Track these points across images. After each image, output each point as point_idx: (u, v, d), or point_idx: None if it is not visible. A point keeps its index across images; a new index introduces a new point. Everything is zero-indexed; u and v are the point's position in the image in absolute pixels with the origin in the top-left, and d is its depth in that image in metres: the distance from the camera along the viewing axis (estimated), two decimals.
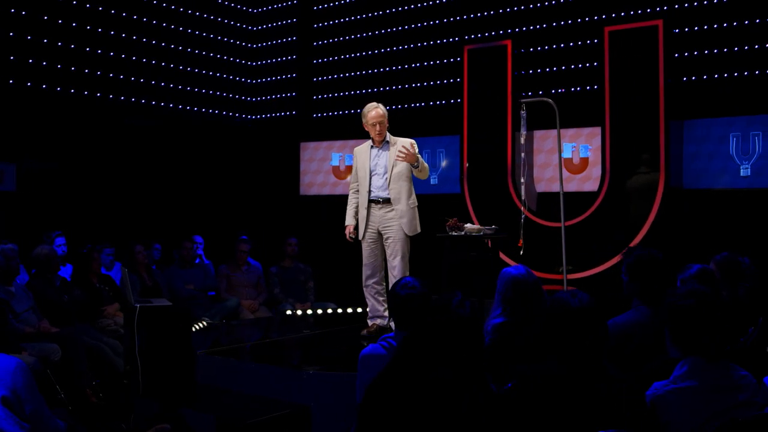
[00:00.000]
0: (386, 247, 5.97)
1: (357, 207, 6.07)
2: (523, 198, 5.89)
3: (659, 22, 7.73)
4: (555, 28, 8.71)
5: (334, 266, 9.38)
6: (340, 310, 7.77)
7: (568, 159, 8.76)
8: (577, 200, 8.18)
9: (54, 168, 8.68)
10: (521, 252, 5.84)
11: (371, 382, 2.71)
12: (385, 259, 6.06)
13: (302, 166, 10.56)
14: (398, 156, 5.78)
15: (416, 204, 5.99)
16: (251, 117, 11.08)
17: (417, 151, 5.99)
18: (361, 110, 6.11)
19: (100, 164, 8.99)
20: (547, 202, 8.52)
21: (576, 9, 8.57)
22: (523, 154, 6.27)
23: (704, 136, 7.92)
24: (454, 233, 5.95)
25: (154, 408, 4.92)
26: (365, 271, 6.07)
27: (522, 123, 5.95)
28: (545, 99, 6.19)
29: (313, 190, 10.47)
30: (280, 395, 4.91)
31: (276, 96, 10.94)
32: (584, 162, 8.72)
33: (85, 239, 7.99)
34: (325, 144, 10.39)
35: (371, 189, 5.97)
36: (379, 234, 5.99)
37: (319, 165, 10.46)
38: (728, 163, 7.78)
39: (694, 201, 7.88)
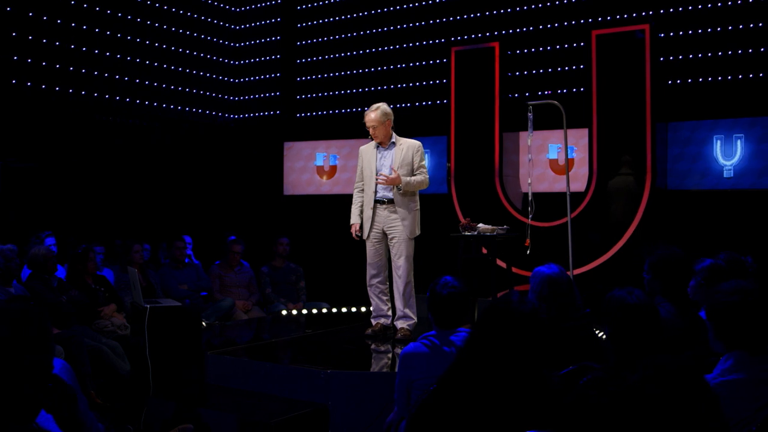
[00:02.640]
0: (391, 247, 6.01)
1: (362, 206, 6.09)
2: (530, 198, 5.98)
3: (646, 27, 7.91)
4: (543, 31, 8.86)
5: (321, 266, 9.40)
6: (334, 310, 7.78)
7: (553, 160, 8.93)
8: (565, 200, 8.32)
9: (35, 167, 8.53)
10: (528, 251, 5.94)
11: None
12: (389, 259, 6.09)
13: (286, 166, 10.54)
14: (378, 181, 5.85)
15: (418, 207, 6.05)
16: (234, 116, 11.02)
17: (422, 153, 6.04)
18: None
19: (83, 163, 8.87)
20: (537, 202, 8.67)
21: (564, 12, 8.74)
22: (530, 155, 6.37)
23: (688, 138, 8.14)
24: (467, 233, 6.01)
25: (168, 408, 4.89)
26: (370, 271, 6.10)
27: (529, 125, 6.04)
28: (552, 101, 6.29)
29: (298, 190, 10.46)
30: (296, 394, 4.92)
31: (260, 95, 10.90)
32: (570, 163, 8.87)
33: (68, 239, 7.89)
34: (309, 144, 10.39)
35: (377, 189, 5.99)
36: (384, 234, 6.02)
37: (304, 165, 10.45)
38: (712, 164, 8.01)
39: (679, 202, 8.09)
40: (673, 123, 8.17)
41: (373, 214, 5.97)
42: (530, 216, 6.01)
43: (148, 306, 5.27)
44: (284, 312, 7.67)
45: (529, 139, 6.12)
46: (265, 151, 10.58)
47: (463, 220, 6.13)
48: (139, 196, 9.34)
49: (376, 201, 5.97)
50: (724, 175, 7.97)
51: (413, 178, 5.92)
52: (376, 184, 5.96)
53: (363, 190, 6.10)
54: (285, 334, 6.63)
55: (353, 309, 7.67)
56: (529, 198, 6.00)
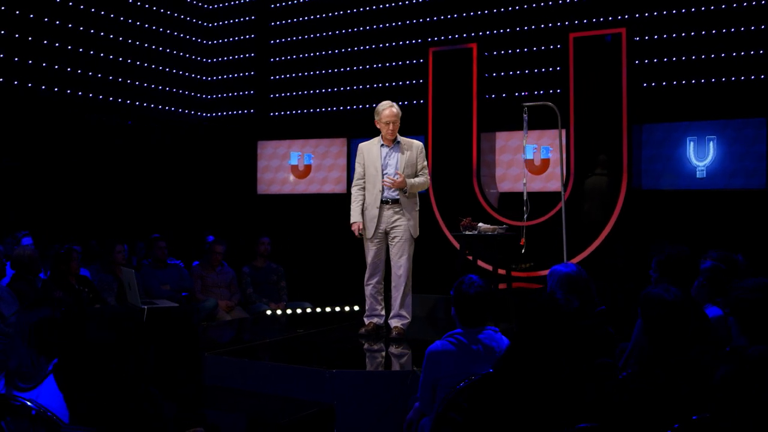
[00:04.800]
0: (392, 246, 5.97)
1: (363, 204, 6.02)
2: (525, 198, 6.06)
3: (622, 30, 8.08)
4: (520, 33, 8.98)
5: (297, 265, 9.36)
6: (318, 309, 7.75)
7: (529, 160, 9.06)
8: (541, 200, 8.46)
9: (2, 166, 8.33)
10: (523, 250, 6.02)
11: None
12: (385, 260, 6.08)
13: (260, 165, 10.48)
14: (385, 183, 5.86)
15: (419, 207, 6.07)
16: (207, 115, 10.90)
17: (424, 155, 6.07)
18: (374, 107, 6.08)
19: (54, 162, 8.68)
20: (512, 201, 8.81)
21: (541, 15, 8.87)
22: (524, 155, 6.45)
23: (662, 139, 8.36)
24: (467, 233, 6.07)
25: (169, 410, 4.81)
26: (369, 270, 6.06)
27: (524, 125, 6.13)
28: (547, 103, 6.40)
29: (273, 189, 10.41)
30: (299, 394, 4.90)
31: (233, 94, 10.80)
32: (545, 163, 9.03)
33: (44, 239, 7.72)
34: (283, 143, 10.35)
35: (383, 189, 5.95)
36: (386, 234, 5.99)
37: (278, 164, 10.40)
38: (685, 165, 8.24)
39: (653, 202, 8.30)
40: (647, 125, 8.37)
41: (379, 214, 5.93)
42: (526, 216, 6.09)
43: (146, 307, 5.18)
44: (269, 312, 7.62)
45: (524, 139, 6.21)
46: (238, 150, 10.49)
47: (463, 220, 6.17)
48: (110, 195, 9.18)
49: (382, 201, 5.95)
50: (697, 176, 8.20)
51: (417, 179, 5.93)
52: (383, 184, 5.92)
53: (364, 188, 6.03)
54: (276, 334, 6.58)
55: (337, 308, 7.67)
56: (524, 197, 6.09)
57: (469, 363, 3.45)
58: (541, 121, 8.42)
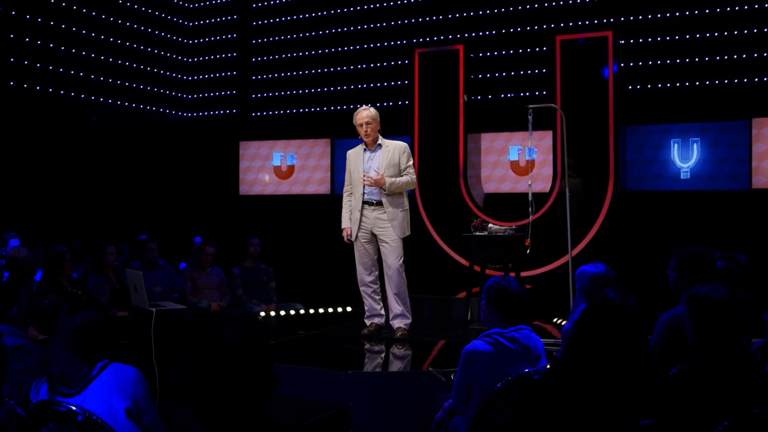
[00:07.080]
0: (381, 249, 6.03)
1: (351, 209, 6.09)
2: (530, 200, 6.11)
3: (609, 33, 8.20)
4: (507, 35, 9.05)
5: (282, 266, 9.31)
6: (312, 311, 7.70)
7: (514, 161, 9.15)
8: (525, 201, 8.52)
9: None
10: (528, 251, 6.07)
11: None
12: (379, 259, 6.12)
13: (242, 166, 10.38)
14: (363, 181, 5.90)
15: (407, 207, 6.10)
16: (188, 115, 10.75)
17: (409, 154, 6.11)
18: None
19: (32, 162, 8.48)
20: (498, 202, 8.89)
21: (528, 17, 8.96)
22: (528, 157, 6.49)
23: (647, 141, 8.51)
24: (478, 233, 6.09)
25: (183, 414, 4.74)
26: (360, 271, 6.11)
27: (529, 127, 6.19)
28: (551, 105, 6.47)
29: (255, 190, 10.32)
30: (315, 396, 4.87)
31: (215, 94, 10.68)
32: (530, 164, 9.11)
33: (31, 240, 7.55)
34: (266, 143, 10.27)
35: (365, 191, 6.01)
36: (373, 234, 6.04)
37: (260, 164, 10.31)
38: (670, 167, 8.40)
39: (638, 202, 8.45)
40: (632, 126, 8.52)
41: (361, 215, 6.00)
42: (531, 215, 6.13)
43: (154, 309, 5.09)
44: (262, 314, 7.55)
45: (529, 141, 6.26)
46: (220, 151, 10.39)
47: (474, 221, 6.21)
48: (92, 195, 9.01)
49: (364, 202, 6.01)
50: (681, 177, 8.37)
51: (399, 178, 5.98)
52: (364, 186, 5.98)
53: (352, 193, 6.11)
54: (277, 336, 6.52)
55: (330, 309, 7.63)
56: (530, 198, 6.13)
57: (506, 363, 3.46)
58: (525, 123, 8.50)
